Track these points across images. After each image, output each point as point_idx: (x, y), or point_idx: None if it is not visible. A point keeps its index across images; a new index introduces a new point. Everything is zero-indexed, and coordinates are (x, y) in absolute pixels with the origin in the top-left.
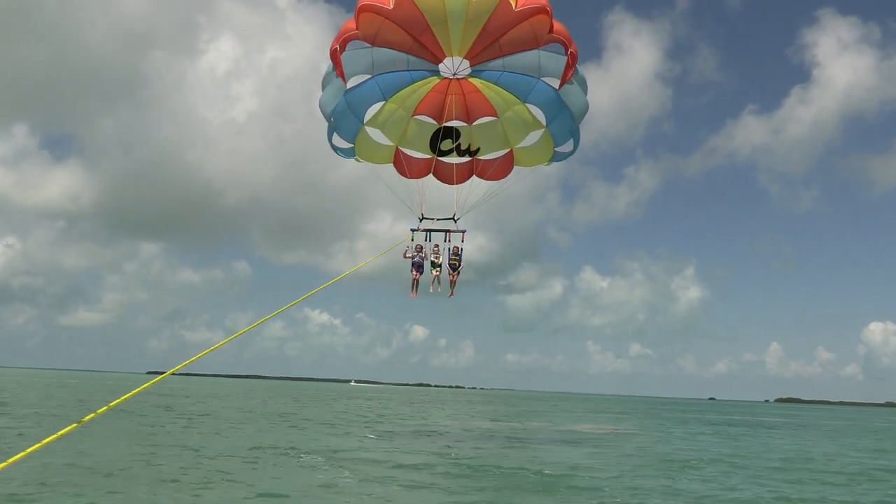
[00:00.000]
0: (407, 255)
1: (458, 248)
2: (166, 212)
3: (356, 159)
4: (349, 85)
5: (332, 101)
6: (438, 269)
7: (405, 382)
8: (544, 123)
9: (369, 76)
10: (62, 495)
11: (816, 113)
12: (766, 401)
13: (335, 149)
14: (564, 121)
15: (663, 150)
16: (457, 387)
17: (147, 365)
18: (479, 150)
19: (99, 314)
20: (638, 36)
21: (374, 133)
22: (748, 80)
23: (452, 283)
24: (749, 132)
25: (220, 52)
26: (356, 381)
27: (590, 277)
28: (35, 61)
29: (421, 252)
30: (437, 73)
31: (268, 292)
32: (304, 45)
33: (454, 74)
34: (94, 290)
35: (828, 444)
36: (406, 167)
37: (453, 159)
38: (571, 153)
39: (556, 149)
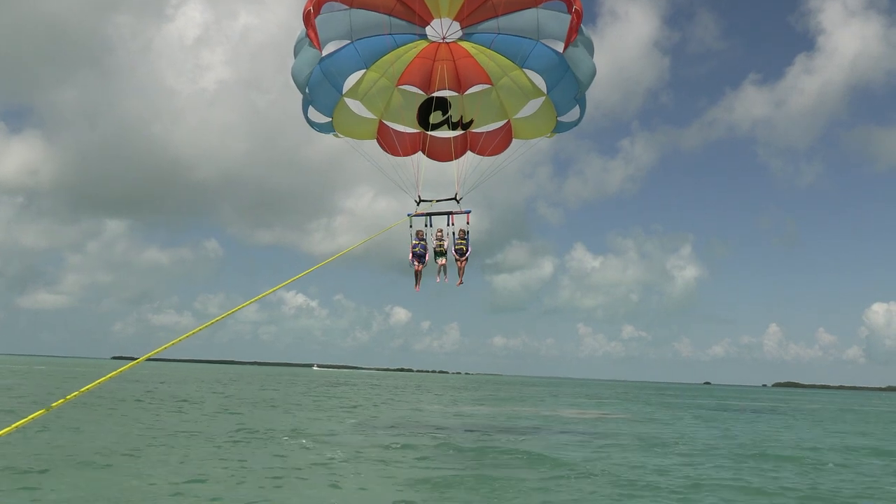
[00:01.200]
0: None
1: (463, 230)
2: (132, 187)
3: (334, 134)
4: (325, 52)
5: (305, 70)
6: (444, 257)
7: (386, 367)
8: (545, 91)
9: (348, 41)
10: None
11: (821, 83)
12: (764, 385)
13: (311, 123)
14: (568, 87)
15: (660, 122)
16: (441, 372)
17: (112, 350)
18: (472, 122)
19: (60, 296)
20: (635, 1)
21: (355, 105)
22: (750, 49)
23: (461, 271)
24: (750, 103)
25: (189, 18)
26: (318, 366)
27: (581, 256)
28: None
29: (422, 239)
30: (423, 36)
31: (240, 273)
32: (279, 10)
33: (443, 38)
34: (55, 270)
35: (806, 429)
36: (391, 143)
37: (444, 133)
38: (577, 123)
39: (559, 118)
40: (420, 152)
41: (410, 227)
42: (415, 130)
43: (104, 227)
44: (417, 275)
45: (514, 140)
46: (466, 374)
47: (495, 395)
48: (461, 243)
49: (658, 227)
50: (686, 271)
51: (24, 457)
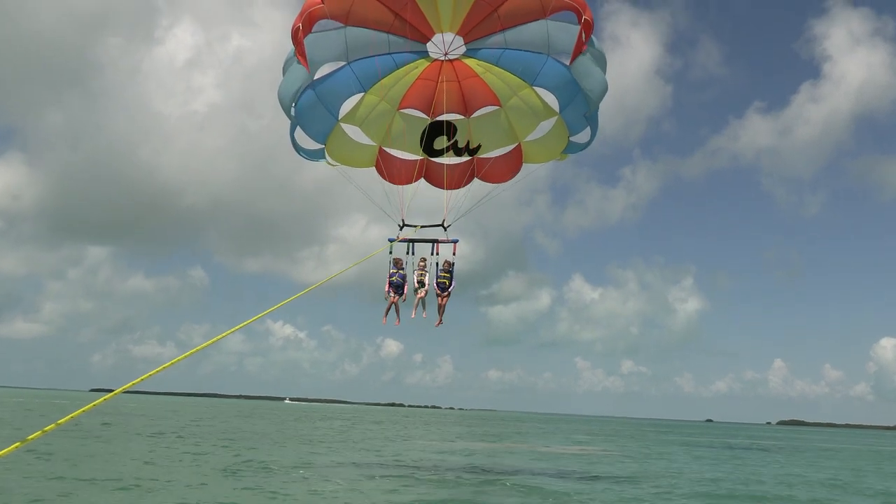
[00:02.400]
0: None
1: (449, 262)
2: (116, 213)
3: (327, 162)
4: (319, 74)
5: (294, 92)
6: (424, 288)
7: (376, 402)
8: (557, 110)
9: (343, 63)
10: None
11: (827, 112)
12: (768, 423)
13: (299, 150)
14: (580, 105)
15: (662, 151)
16: (433, 407)
17: (91, 382)
18: (479, 147)
19: (38, 325)
20: (636, 27)
21: (352, 131)
22: (754, 76)
23: (441, 308)
24: (754, 131)
25: (180, 40)
26: (290, 399)
27: (580, 287)
28: None
29: (401, 268)
30: (425, 54)
31: (226, 302)
32: (273, 32)
33: (445, 55)
34: (33, 298)
35: (794, 468)
36: (391, 171)
37: (449, 159)
38: (589, 143)
39: (571, 139)
40: (423, 179)
41: (390, 253)
42: (418, 157)
43: (86, 253)
44: (391, 307)
45: (524, 164)
46: (460, 409)
47: (489, 432)
48: (445, 277)
49: (659, 259)
50: (688, 304)
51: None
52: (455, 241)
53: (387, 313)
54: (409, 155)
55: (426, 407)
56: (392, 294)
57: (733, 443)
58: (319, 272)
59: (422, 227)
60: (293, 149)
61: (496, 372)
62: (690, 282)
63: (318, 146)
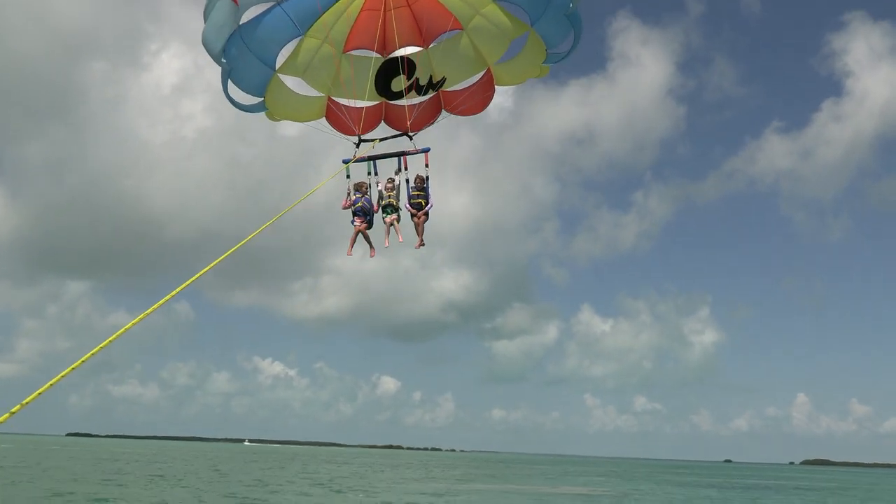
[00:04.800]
0: (346, 205)
1: (422, 177)
2: (98, 245)
3: (269, 116)
4: (245, 17)
5: (220, 35)
6: (395, 213)
7: (373, 444)
8: (529, 22)
9: (273, 3)
10: None
11: (849, 131)
12: (791, 463)
13: (234, 103)
14: (557, 7)
15: (675, 175)
16: (433, 449)
17: (68, 425)
18: (444, 79)
19: (11, 365)
20: (647, 45)
21: (293, 82)
22: (772, 95)
23: (419, 228)
24: (772, 153)
25: (168, 64)
26: (250, 441)
27: (589, 319)
28: None
29: (365, 191)
30: None
31: (214, 339)
32: None
33: None
34: (8, 337)
35: None
36: (345, 122)
37: (411, 100)
38: (572, 50)
39: (549, 51)
40: (384, 123)
41: (347, 177)
42: (374, 102)
43: (65, 288)
44: (357, 235)
45: (497, 88)
46: (462, 451)
47: (493, 475)
48: (418, 195)
49: (672, 288)
50: (704, 336)
51: None
52: (426, 151)
53: (352, 243)
54: (364, 102)
55: (426, 449)
56: (358, 222)
57: (752, 484)
58: (313, 305)
59: (381, 140)
60: (228, 102)
61: (500, 411)
62: (706, 312)
63: (255, 99)
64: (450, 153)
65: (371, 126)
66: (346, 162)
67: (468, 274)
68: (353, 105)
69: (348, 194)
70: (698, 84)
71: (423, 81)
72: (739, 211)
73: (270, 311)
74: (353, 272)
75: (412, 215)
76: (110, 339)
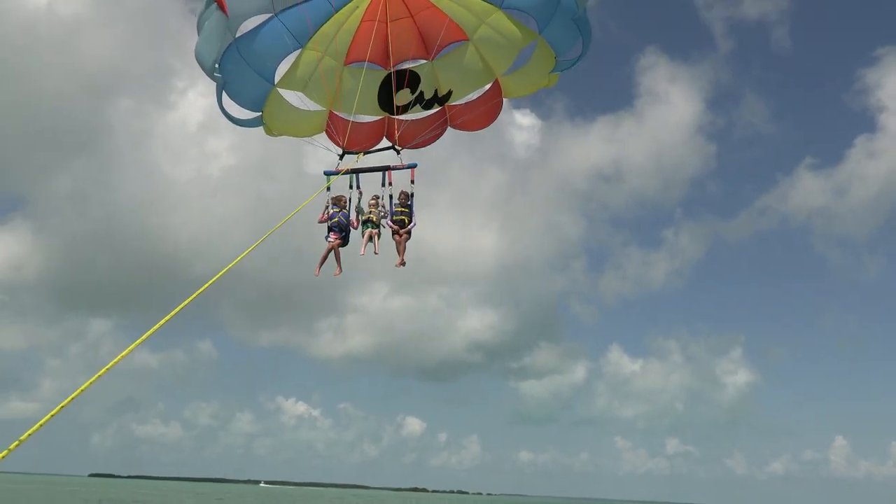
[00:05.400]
0: (322, 219)
1: (406, 193)
2: (122, 283)
3: (267, 131)
4: (241, 31)
5: (211, 48)
6: (375, 228)
7: (398, 486)
8: (537, 30)
9: (269, 14)
10: None
11: (886, 168)
12: None
13: (230, 118)
14: (565, 11)
15: (706, 212)
16: (459, 492)
17: (90, 465)
18: (450, 93)
19: (35, 404)
20: (675, 82)
21: (293, 97)
22: (804, 132)
23: (401, 247)
24: (805, 190)
25: (194, 102)
26: (266, 483)
27: (618, 360)
28: None
29: (343, 206)
30: None
31: (238, 378)
32: None
33: None
34: (32, 375)
35: None
36: (346, 136)
37: (416, 114)
38: (582, 56)
39: (559, 58)
40: (385, 140)
41: (328, 190)
42: (377, 117)
43: (89, 326)
44: (329, 253)
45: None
46: (488, 494)
47: None
48: (402, 212)
49: (704, 327)
50: (737, 376)
51: None
52: (413, 166)
53: (322, 261)
54: (367, 117)
55: (452, 492)
56: (332, 237)
57: None
58: (339, 344)
59: (366, 153)
60: (224, 117)
61: (528, 453)
62: (739, 352)
63: (253, 114)
64: (475, 191)
65: (373, 142)
66: (328, 174)
67: (494, 313)
68: (355, 120)
69: (326, 208)
70: (728, 121)
71: (429, 95)
72: (772, 249)
73: (295, 350)
74: (378, 311)
75: (394, 233)
76: (92, 379)
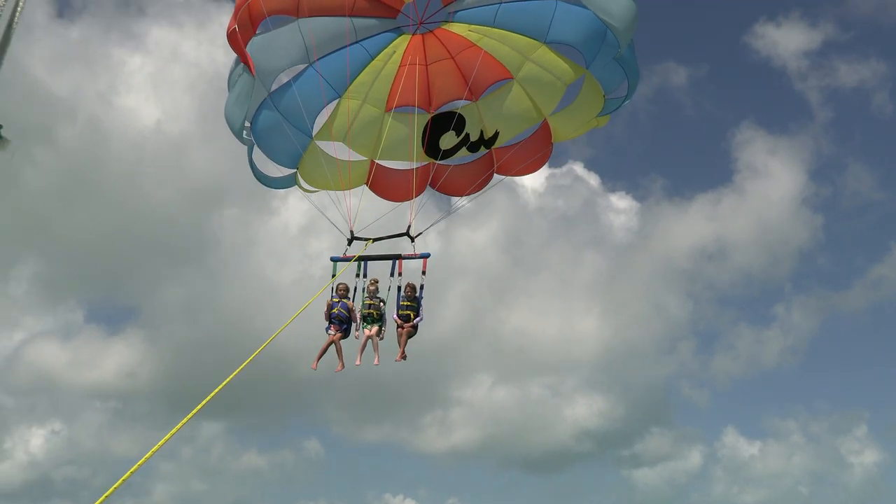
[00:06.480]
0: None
1: (413, 285)
2: (231, 386)
3: (302, 189)
4: (276, 85)
5: (242, 110)
6: (378, 325)
7: None
8: (584, 65)
9: (304, 65)
10: None
11: None
12: None
13: (263, 179)
14: (609, 48)
15: (816, 285)
16: None
17: None
18: (497, 134)
19: None
20: (775, 154)
21: (332, 148)
22: None
23: (403, 340)
24: None
25: (295, 207)
26: None
27: (734, 443)
28: (95, 230)
29: (346, 296)
30: (398, 31)
31: (344, 475)
32: None
33: (420, 22)
34: (144, 480)
35: None
36: (389, 186)
37: (462, 158)
38: (629, 95)
39: (607, 96)
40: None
41: (333, 276)
42: (422, 164)
43: (200, 430)
44: (328, 346)
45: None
46: None
47: None
48: (408, 305)
49: (824, 405)
50: (864, 456)
51: None
52: (426, 256)
53: (321, 356)
54: (412, 164)
55: None
56: (333, 330)
57: None
58: (443, 439)
59: (375, 240)
60: (255, 178)
61: None
62: (864, 430)
63: (287, 172)
64: (575, 277)
65: (419, 190)
66: (334, 260)
67: (602, 399)
68: (400, 168)
69: (335, 295)
70: (834, 191)
71: (475, 137)
72: (890, 320)
73: (400, 446)
74: (482, 403)
75: (398, 327)
76: (134, 467)
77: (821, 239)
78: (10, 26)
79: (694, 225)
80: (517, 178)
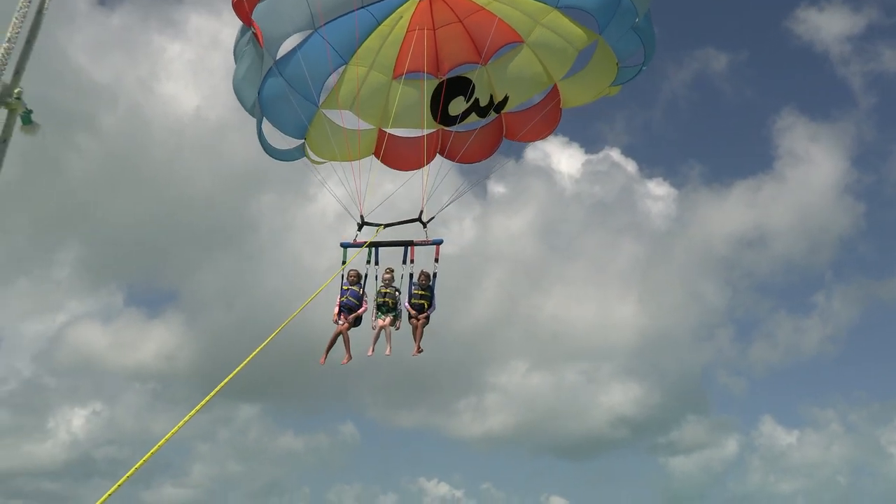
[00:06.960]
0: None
1: (427, 273)
2: (268, 370)
3: (309, 160)
4: (282, 52)
5: (251, 81)
6: (392, 315)
7: None
8: (597, 31)
9: (309, 31)
10: None
11: None
12: None
13: (272, 151)
14: (625, 15)
15: (859, 274)
16: None
17: None
18: (507, 98)
19: (185, 489)
20: (816, 141)
21: (339, 116)
22: None
23: (418, 333)
24: None
25: (330, 198)
26: None
27: (772, 431)
28: (135, 216)
29: (358, 283)
30: None
31: (379, 459)
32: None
33: None
34: (183, 461)
35: None
36: (400, 155)
37: (472, 124)
38: (644, 65)
39: (620, 65)
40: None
41: (343, 263)
42: (431, 130)
43: (237, 412)
44: (336, 338)
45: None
46: None
47: None
48: (422, 294)
49: (864, 395)
50: None
51: None
52: (438, 242)
53: (329, 347)
54: (418, 131)
55: None
56: (342, 320)
57: None
58: (478, 425)
59: (386, 225)
60: (263, 150)
61: None
62: None
63: (295, 142)
64: (611, 264)
65: (430, 158)
66: (344, 246)
67: (638, 386)
68: (409, 136)
69: (345, 282)
70: (877, 178)
71: (484, 102)
72: None
73: (435, 431)
74: (517, 389)
75: (410, 317)
76: (153, 450)
77: (862, 227)
78: (40, 11)
79: (733, 212)
80: (554, 165)
